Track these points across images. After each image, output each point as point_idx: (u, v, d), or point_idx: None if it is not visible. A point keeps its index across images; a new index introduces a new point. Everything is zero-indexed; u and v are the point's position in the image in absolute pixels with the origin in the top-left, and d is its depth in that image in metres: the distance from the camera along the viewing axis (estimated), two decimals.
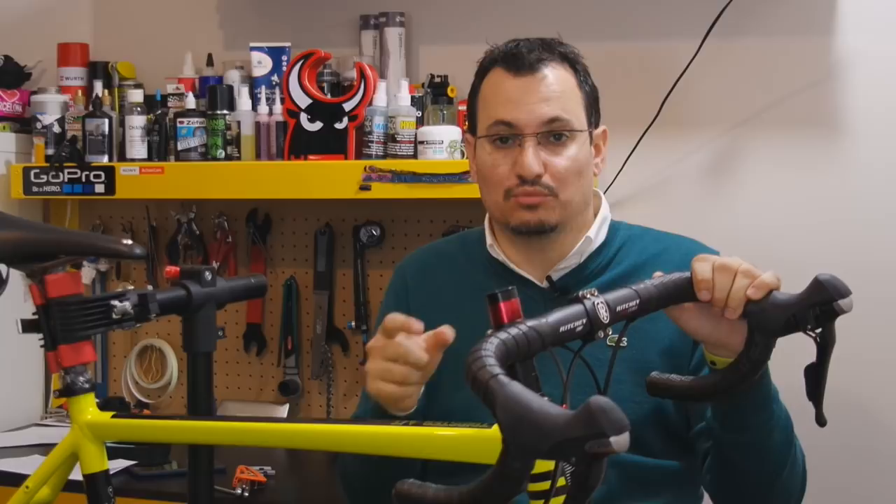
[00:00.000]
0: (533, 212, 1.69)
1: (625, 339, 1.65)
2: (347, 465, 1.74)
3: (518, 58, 1.70)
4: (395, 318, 1.45)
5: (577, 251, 1.74)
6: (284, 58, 2.66)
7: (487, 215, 1.81)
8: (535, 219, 1.69)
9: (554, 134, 1.69)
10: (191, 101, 2.70)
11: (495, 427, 1.22)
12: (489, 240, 1.79)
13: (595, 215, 1.79)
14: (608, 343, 1.33)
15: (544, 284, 1.75)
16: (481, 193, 1.78)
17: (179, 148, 2.68)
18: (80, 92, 2.83)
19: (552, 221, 1.70)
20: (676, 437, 1.71)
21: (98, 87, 2.80)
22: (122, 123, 2.75)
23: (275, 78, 2.66)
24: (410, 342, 1.43)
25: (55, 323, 1.57)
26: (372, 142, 2.53)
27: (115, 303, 1.54)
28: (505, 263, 1.77)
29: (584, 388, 1.25)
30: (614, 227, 1.81)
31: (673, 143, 2.52)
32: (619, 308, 1.30)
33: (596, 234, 1.76)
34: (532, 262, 1.76)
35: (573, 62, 1.74)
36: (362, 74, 2.54)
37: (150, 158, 2.73)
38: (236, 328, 2.87)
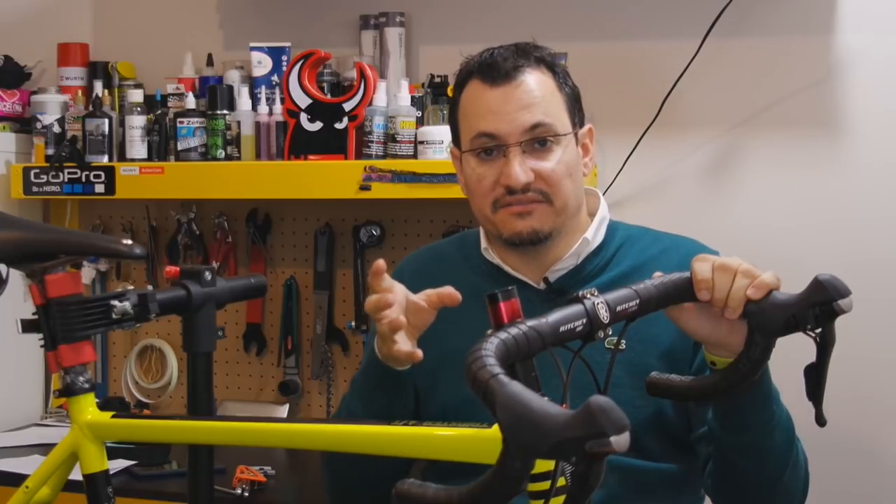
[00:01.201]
0: (525, 220, 1.67)
1: (624, 342, 1.65)
2: (329, 471, 1.75)
3: (493, 67, 1.68)
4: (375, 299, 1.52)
5: (575, 252, 1.73)
6: (284, 58, 2.66)
7: None
8: (528, 227, 1.68)
9: (538, 140, 1.67)
10: (191, 101, 2.70)
11: (495, 427, 1.22)
12: (483, 243, 1.78)
13: (591, 215, 1.78)
14: (607, 345, 1.33)
15: (541, 286, 1.74)
16: (472, 206, 1.76)
17: (179, 148, 2.68)
18: (80, 92, 2.83)
19: (546, 229, 1.69)
20: (676, 441, 1.71)
21: (98, 87, 2.80)
22: (122, 123, 2.75)
23: (275, 78, 2.66)
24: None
25: (55, 323, 1.56)
26: (372, 142, 2.53)
27: (115, 303, 1.54)
28: (500, 266, 1.76)
29: (584, 390, 1.25)
30: (613, 228, 1.79)
31: (673, 143, 2.52)
32: (619, 308, 1.30)
33: (594, 234, 1.75)
34: (528, 266, 1.74)
35: (550, 65, 1.71)
36: (362, 74, 2.54)
37: (150, 158, 2.73)
38: (236, 328, 2.87)
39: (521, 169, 1.65)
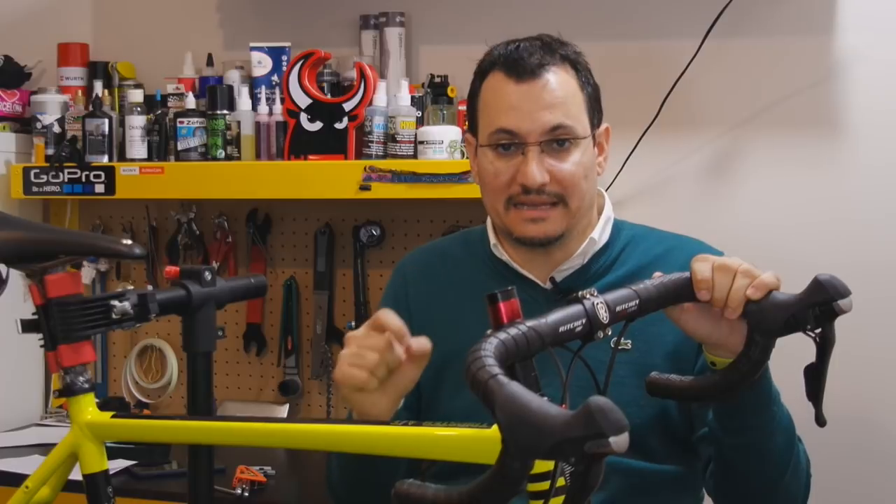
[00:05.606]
0: (538, 225, 1.67)
1: (629, 341, 1.65)
2: (333, 470, 1.73)
3: (519, 63, 1.67)
4: (389, 316, 1.45)
5: (581, 252, 1.73)
6: (284, 58, 2.66)
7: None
8: (541, 232, 1.68)
9: (557, 140, 1.67)
10: (191, 101, 2.70)
11: (495, 427, 1.22)
12: (492, 240, 1.78)
13: (598, 214, 1.78)
14: (611, 345, 1.33)
15: (547, 285, 1.74)
16: (483, 198, 1.75)
17: (179, 148, 2.68)
18: (80, 92, 2.83)
19: (558, 233, 1.69)
20: (678, 441, 1.70)
21: (98, 87, 2.80)
22: (122, 123, 2.75)
23: (275, 78, 2.66)
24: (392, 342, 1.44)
25: (55, 323, 1.56)
26: (372, 142, 2.53)
27: (115, 303, 1.54)
28: (508, 264, 1.75)
29: (585, 390, 1.25)
30: (618, 227, 1.79)
31: (673, 143, 2.52)
32: (618, 308, 1.30)
33: (600, 234, 1.75)
34: (536, 264, 1.74)
35: (574, 63, 1.71)
36: (362, 74, 2.54)
37: (150, 158, 2.73)
38: (236, 328, 2.87)
39: (538, 169, 1.64)
